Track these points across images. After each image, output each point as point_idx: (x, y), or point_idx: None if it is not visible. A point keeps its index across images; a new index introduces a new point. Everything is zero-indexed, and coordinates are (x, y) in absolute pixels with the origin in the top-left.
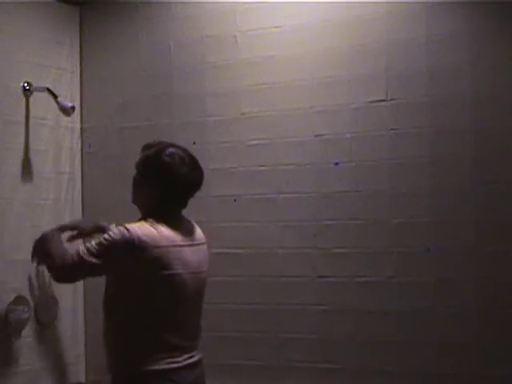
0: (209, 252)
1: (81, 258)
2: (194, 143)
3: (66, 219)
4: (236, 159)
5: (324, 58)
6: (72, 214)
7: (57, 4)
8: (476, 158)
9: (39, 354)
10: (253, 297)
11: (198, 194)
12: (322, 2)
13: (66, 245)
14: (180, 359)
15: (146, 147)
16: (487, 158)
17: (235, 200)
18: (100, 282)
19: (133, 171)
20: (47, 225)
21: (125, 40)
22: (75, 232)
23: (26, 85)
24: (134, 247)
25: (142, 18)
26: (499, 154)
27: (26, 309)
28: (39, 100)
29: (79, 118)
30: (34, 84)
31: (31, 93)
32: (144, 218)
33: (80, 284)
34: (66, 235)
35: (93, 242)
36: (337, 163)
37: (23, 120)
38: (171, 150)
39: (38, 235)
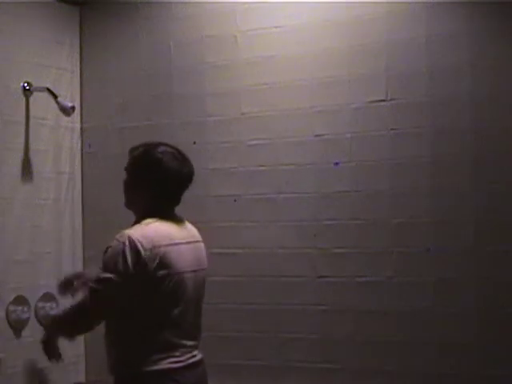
0: (209, 252)
1: (91, 288)
2: (194, 143)
3: (66, 219)
4: (236, 159)
5: (324, 58)
6: (72, 213)
7: (57, 4)
8: (476, 158)
9: (39, 353)
10: (253, 297)
11: (198, 193)
12: (322, 2)
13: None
14: (182, 358)
15: (133, 149)
16: (487, 158)
17: (235, 200)
18: None
19: None
20: (47, 225)
21: (125, 40)
22: (80, 281)
23: (26, 85)
24: (136, 250)
25: (142, 18)
26: (499, 153)
27: (25, 309)
28: (39, 100)
29: (79, 118)
30: (34, 84)
31: (31, 93)
32: (139, 221)
33: None
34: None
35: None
36: (337, 163)
37: (23, 120)
38: (161, 147)
39: (38, 235)
